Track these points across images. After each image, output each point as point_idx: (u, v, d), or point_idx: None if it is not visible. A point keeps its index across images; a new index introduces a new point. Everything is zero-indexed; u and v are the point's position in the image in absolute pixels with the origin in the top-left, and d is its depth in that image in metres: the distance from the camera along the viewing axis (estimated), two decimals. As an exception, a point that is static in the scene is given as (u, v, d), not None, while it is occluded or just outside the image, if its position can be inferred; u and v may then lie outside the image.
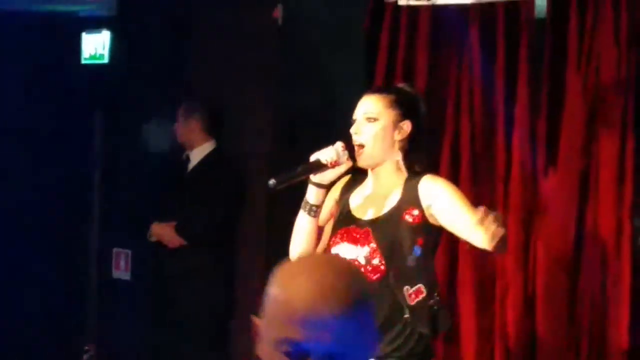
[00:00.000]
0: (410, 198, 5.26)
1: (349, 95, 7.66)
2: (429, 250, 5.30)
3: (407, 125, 5.35)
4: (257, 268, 8.15)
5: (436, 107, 7.79)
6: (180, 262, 8.24)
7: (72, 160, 9.28)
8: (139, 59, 8.90)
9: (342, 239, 5.33)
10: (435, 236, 5.35)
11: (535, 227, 7.39)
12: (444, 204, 5.22)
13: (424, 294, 5.24)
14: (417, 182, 5.28)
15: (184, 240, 8.22)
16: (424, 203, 5.24)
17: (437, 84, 7.90)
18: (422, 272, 5.25)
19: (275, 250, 7.87)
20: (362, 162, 5.35)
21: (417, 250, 5.24)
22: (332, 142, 5.99)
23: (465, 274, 7.56)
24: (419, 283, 5.22)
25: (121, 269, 9.01)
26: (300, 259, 3.25)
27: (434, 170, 5.72)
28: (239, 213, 8.35)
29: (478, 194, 7.57)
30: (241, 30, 8.47)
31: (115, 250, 9.08)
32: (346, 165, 5.34)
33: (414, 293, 5.22)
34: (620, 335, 7.12)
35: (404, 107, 5.39)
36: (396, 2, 5.51)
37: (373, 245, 5.23)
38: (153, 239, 8.35)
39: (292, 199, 7.94)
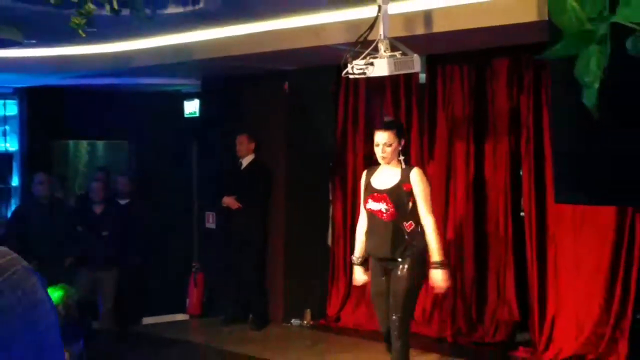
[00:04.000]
0: (405, 178, 5.53)
1: (329, 130, 8.18)
2: (414, 204, 5.56)
3: (402, 142, 5.65)
4: (279, 218, 8.21)
5: (370, 132, 7.53)
6: (240, 217, 8.15)
7: (182, 168, 9.23)
8: (215, 113, 8.81)
9: (372, 199, 5.58)
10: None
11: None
12: (416, 190, 5.50)
13: (413, 226, 5.50)
14: (410, 170, 5.52)
15: (241, 205, 8.08)
16: (411, 182, 5.53)
17: (370, 121, 7.89)
18: (412, 215, 5.52)
19: (291, 211, 8.17)
20: (386, 163, 5.60)
21: (409, 204, 5.51)
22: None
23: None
24: (410, 220, 5.50)
25: (210, 223, 8.81)
26: None
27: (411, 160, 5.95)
28: (270, 191, 8.23)
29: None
30: (265, 96, 8.28)
31: (206, 212, 8.86)
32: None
33: (408, 225, 5.47)
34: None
35: (401, 133, 5.67)
36: (347, 76, 5.39)
37: (388, 201, 5.49)
38: (224, 204, 8.20)
39: (300, 187, 8.20)
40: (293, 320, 8.16)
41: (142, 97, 8.90)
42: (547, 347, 6.72)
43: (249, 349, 7.28)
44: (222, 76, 8.38)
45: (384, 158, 5.54)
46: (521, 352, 6.89)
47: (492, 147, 7.17)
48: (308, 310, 8.18)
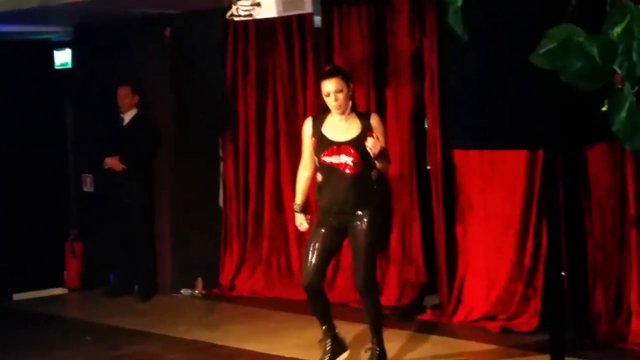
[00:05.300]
0: (367, 126, 5.24)
1: (217, 80, 7.76)
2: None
3: (351, 86, 5.32)
4: (166, 178, 7.95)
5: (262, 80, 7.60)
6: (123, 178, 7.83)
7: (54, 127, 8.69)
8: (88, 64, 8.39)
9: (330, 154, 5.26)
10: None
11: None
12: (377, 134, 5.22)
13: (378, 174, 5.31)
14: (369, 118, 5.33)
15: (125, 166, 7.74)
16: (373, 128, 5.24)
17: (263, 65, 7.60)
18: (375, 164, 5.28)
19: (179, 170, 7.84)
20: (340, 113, 5.26)
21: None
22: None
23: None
24: (374, 169, 5.26)
25: (88, 186, 8.46)
26: None
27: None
28: (155, 149, 7.87)
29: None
30: (147, 44, 7.91)
31: (83, 175, 8.51)
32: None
33: (374, 174, 5.23)
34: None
35: (347, 78, 5.31)
36: (232, 19, 5.12)
37: (353, 154, 5.19)
38: (106, 166, 7.84)
39: (188, 144, 7.84)
40: (183, 290, 7.79)
41: (5, 47, 8.24)
42: (456, 309, 6.47)
43: (135, 322, 6.91)
44: (97, 22, 7.89)
45: (339, 107, 5.19)
46: (429, 315, 6.60)
47: (394, 93, 6.85)
48: (199, 279, 7.82)
